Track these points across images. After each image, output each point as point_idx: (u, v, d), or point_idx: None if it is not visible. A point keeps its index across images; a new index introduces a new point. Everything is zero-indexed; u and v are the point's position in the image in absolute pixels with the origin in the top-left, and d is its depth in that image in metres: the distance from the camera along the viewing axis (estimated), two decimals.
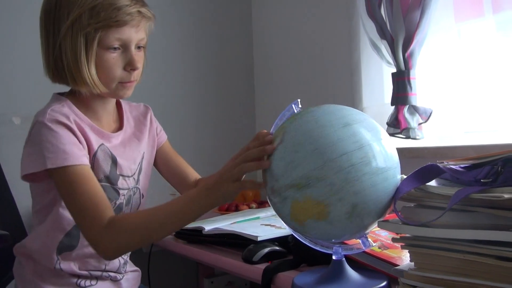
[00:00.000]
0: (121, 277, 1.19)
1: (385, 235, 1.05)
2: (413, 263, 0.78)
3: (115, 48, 1.01)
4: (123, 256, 1.18)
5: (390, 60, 1.52)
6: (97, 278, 1.13)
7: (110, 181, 1.08)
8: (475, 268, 0.70)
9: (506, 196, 0.64)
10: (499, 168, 0.71)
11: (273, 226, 1.27)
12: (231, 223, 1.34)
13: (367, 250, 0.90)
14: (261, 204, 1.81)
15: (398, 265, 0.86)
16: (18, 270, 1.14)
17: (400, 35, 1.46)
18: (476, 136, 1.44)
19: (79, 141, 1.01)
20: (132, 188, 1.16)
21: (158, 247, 1.49)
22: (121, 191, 1.11)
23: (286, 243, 1.13)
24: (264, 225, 1.30)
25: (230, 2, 2.21)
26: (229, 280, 1.88)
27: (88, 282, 1.12)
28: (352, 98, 1.69)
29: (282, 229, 1.22)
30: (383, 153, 0.79)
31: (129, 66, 1.03)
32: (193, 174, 1.29)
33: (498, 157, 0.73)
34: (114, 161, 1.09)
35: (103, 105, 1.11)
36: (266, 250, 1.11)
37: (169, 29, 2.00)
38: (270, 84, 2.19)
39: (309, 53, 1.98)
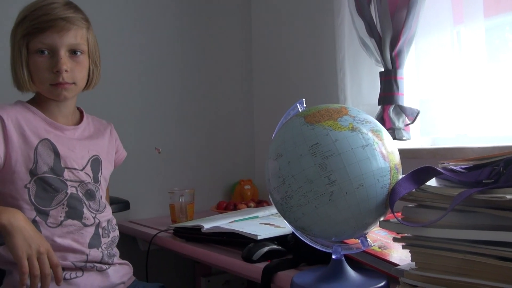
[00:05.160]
0: (107, 267, 1.20)
1: (384, 235, 1.05)
2: (414, 263, 0.78)
3: (42, 52, 1.13)
4: (105, 247, 1.21)
5: (379, 58, 1.53)
6: (82, 269, 1.15)
7: (55, 173, 1.16)
8: (476, 268, 0.70)
9: (508, 196, 0.65)
10: (501, 169, 0.72)
11: (273, 225, 1.28)
12: (230, 222, 1.34)
13: (367, 249, 0.90)
14: (259, 203, 1.81)
15: (398, 265, 0.86)
16: (7, 278, 1.14)
17: (387, 33, 1.46)
18: (468, 140, 1.45)
19: (4, 136, 1.11)
20: (89, 183, 1.21)
21: (156, 245, 1.49)
22: (68, 183, 1.17)
23: (285, 242, 1.14)
24: (263, 224, 1.30)
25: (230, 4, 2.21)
26: (226, 279, 1.88)
27: (73, 274, 1.14)
28: (338, 97, 1.67)
29: (281, 228, 1.23)
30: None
31: (55, 68, 1.13)
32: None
33: (499, 158, 0.73)
34: (57, 154, 1.17)
35: (58, 107, 1.21)
36: (266, 249, 1.11)
37: (167, 32, 2.00)
38: (267, 85, 2.18)
39: (300, 53, 1.99)
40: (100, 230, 1.21)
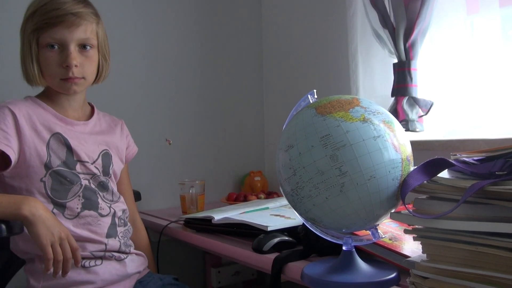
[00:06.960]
0: (125, 256, 1.22)
1: (395, 227, 1.05)
2: (425, 255, 0.78)
3: (52, 46, 1.14)
4: (121, 236, 1.23)
5: (392, 50, 1.51)
6: (101, 258, 1.17)
7: (67, 166, 1.17)
8: (488, 260, 0.70)
9: None
10: None
11: (283, 216, 1.28)
12: (240, 213, 1.35)
13: (377, 241, 0.90)
14: (269, 195, 1.81)
15: (409, 257, 0.86)
16: (28, 265, 1.16)
17: (401, 24, 1.45)
18: (483, 131, 1.43)
19: (17, 131, 1.11)
20: (100, 176, 1.23)
21: (167, 236, 1.49)
22: (81, 175, 1.19)
23: (295, 234, 1.14)
24: (273, 215, 1.30)
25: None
26: (236, 270, 1.89)
27: (92, 262, 1.15)
28: (350, 89, 1.65)
29: (291, 220, 1.23)
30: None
31: (64, 63, 1.14)
32: (131, 213, 1.37)
33: None
34: (69, 148, 1.18)
35: (68, 101, 1.23)
36: (276, 240, 1.12)
37: (176, 24, 2.00)
38: (277, 77, 2.18)
39: (311, 44, 1.97)
40: (116, 219, 1.23)
